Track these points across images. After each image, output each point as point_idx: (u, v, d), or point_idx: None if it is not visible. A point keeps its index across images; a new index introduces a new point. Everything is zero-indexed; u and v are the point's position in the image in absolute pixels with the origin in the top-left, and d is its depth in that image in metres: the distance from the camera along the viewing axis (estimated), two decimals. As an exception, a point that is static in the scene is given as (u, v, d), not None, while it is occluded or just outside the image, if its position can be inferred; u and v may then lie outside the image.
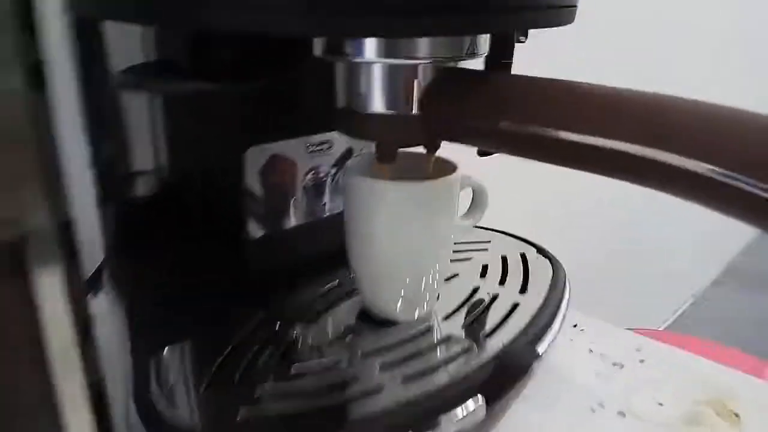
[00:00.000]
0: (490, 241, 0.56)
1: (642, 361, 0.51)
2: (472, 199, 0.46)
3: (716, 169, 0.25)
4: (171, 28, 0.36)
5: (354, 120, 0.37)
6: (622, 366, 0.50)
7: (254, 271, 0.45)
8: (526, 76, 0.33)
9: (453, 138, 0.36)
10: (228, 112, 0.42)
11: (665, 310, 2.00)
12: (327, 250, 0.49)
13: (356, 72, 0.35)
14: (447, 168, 0.42)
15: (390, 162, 0.39)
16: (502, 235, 0.58)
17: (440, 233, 0.41)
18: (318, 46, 0.36)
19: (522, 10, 0.31)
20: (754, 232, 2.49)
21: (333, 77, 0.37)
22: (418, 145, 0.40)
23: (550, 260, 0.52)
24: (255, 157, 0.42)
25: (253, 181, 0.43)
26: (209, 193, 0.46)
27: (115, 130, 0.41)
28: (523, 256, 0.53)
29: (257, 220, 0.44)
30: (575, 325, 0.56)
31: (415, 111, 0.35)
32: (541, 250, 0.54)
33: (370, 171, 0.42)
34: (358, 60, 0.34)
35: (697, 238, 1.91)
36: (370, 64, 0.35)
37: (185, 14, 0.27)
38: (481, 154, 0.52)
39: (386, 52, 0.34)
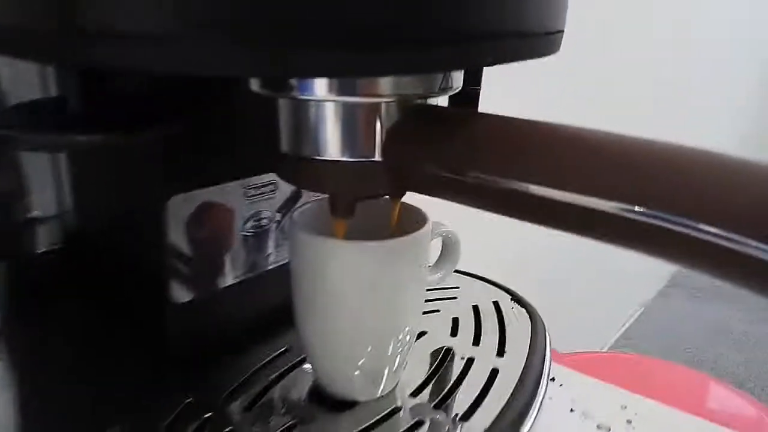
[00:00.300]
0: (458, 287, 0.49)
1: (629, 421, 0.45)
2: (442, 249, 0.40)
3: (726, 234, 0.19)
4: (62, 65, 0.28)
5: (302, 168, 0.30)
6: (609, 429, 0.44)
7: (178, 343, 0.37)
8: (507, 118, 0.27)
9: (422, 190, 0.29)
10: (142, 157, 0.34)
11: (614, 323, 2.00)
12: (272, 308, 0.42)
13: (304, 111, 0.28)
14: (414, 218, 0.35)
15: (347, 217, 0.32)
16: (469, 277, 0.52)
17: (408, 299, 0.34)
18: (255, 80, 0.29)
19: (499, 39, 0.25)
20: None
21: (274, 115, 0.30)
22: (379, 196, 0.33)
23: (526, 309, 0.46)
24: (179, 207, 0.35)
25: (177, 235, 0.35)
26: (123, 252, 0.39)
27: (8, 177, 0.32)
28: (497, 306, 0.47)
29: (183, 281, 0.36)
30: (553, 379, 0.50)
31: (376, 157, 0.29)
32: (515, 297, 0.48)
33: (321, 224, 0.35)
34: (306, 97, 0.27)
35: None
36: (321, 102, 0.28)
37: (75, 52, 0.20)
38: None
39: (341, 88, 0.27)
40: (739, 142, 2.49)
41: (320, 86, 0.27)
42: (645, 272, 2.09)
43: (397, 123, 0.28)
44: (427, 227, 0.34)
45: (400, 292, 0.33)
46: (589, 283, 1.61)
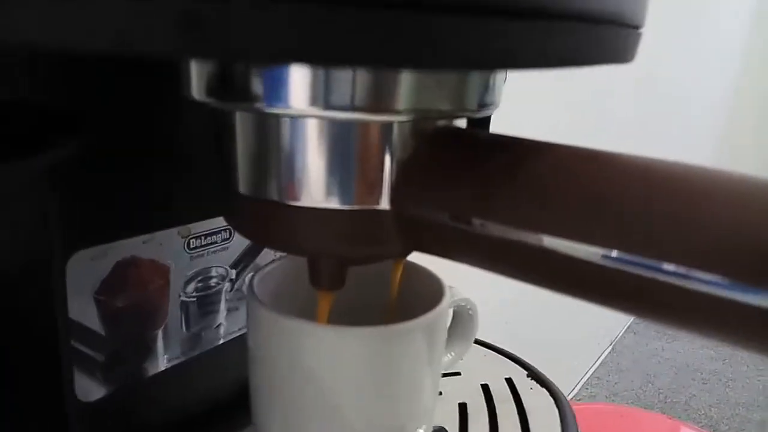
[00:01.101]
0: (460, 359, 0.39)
1: None
2: (453, 322, 0.30)
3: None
4: None
5: (268, 219, 0.20)
6: None
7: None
8: (580, 150, 0.17)
9: (443, 250, 0.19)
10: (29, 196, 0.23)
11: (583, 362, 1.94)
12: (223, 402, 0.31)
13: (273, 133, 0.18)
14: (422, 281, 0.25)
15: (334, 289, 0.22)
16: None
17: (417, 400, 0.24)
18: (198, 83, 0.19)
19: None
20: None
21: (227, 138, 0.20)
22: (383, 259, 0.23)
23: (548, 389, 0.37)
24: (84, 269, 0.24)
25: (82, 308, 0.24)
26: (6, 333, 0.27)
27: None
28: (511, 385, 0.37)
29: (93, 371, 0.25)
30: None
31: (382, 205, 0.19)
32: (533, 374, 0.38)
33: (294, 293, 0.25)
34: (276, 110, 0.17)
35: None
36: (299, 119, 0.18)
37: None
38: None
39: (331, 98, 0.17)
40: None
41: (298, 92, 0.17)
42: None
43: (414, 154, 0.19)
44: (446, 302, 0.24)
45: (408, 392, 0.23)
46: (556, 321, 1.54)
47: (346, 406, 0.23)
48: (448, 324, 0.31)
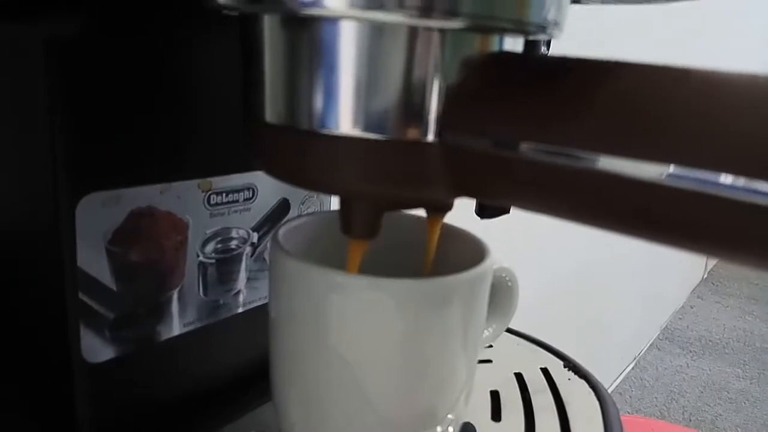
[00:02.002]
0: (491, 345, 0.37)
1: None
2: (492, 294, 0.27)
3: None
4: None
5: (297, 150, 0.17)
6: None
7: (91, 424, 0.24)
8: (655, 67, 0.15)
9: (495, 190, 0.17)
10: (33, 125, 0.21)
11: (606, 377, 1.89)
12: (238, 373, 0.29)
13: (306, 43, 0.16)
14: (461, 244, 0.23)
15: (368, 238, 0.19)
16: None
17: (454, 372, 0.22)
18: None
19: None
20: (686, 295, 2.47)
21: (251, 57, 0.18)
22: (425, 205, 0.21)
23: (588, 381, 0.34)
24: (94, 214, 0.22)
25: (91, 259, 0.22)
26: (8, 286, 0.25)
27: None
28: (547, 375, 0.34)
29: (100, 331, 0.23)
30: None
31: (429, 136, 0.17)
32: (571, 364, 0.36)
33: (321, 248, 0.23)
34: (313, 12, 0.15)
35: (632, 301, 1.85)
36: (337, 21, 0.16)
37: None
38: (484, 213, 0.34)
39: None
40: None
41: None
42: (636, 323, 1.99)
43: (467, 76, 0.16)
44: (490, 260, 0.21)
45: (441, 366, 0.21)
46: (578, 335, 1.51)
47: (372, 380, 0.21)
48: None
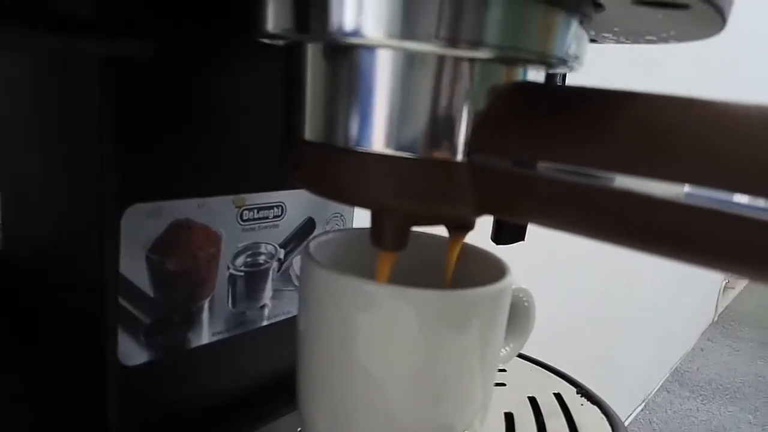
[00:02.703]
0: (504, 369, 0.38)
1: None
2: (510, 315, 0.28)
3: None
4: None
5: (335, 165, 0.19)
6: None
7: (123, 425, 0.25)
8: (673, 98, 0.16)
9: (520, 209, 0.18)
10: (88, 141, 0.23)
11: (618, 413, 1.85)
12: (263, 382, 0.30)
13: (347, 68, 0.18)
14: (483, 265, 0.24)
15: (397, 249, 0.21)
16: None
17: (476, 384, 0.23)
18: (275, 14, 0.19)
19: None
20: (696, 337, 2.44)
21: (294, 80, 0.20)
22: (451, 221, 0.22)
23: (600, 408, 0.34)
24: (138, 224, 0.23)
25: (132, 266, 0.24)
26: (49, 288, 0.27)
27: None
28: (561, 400, 0.35)
29: (136, 335, 0.24)
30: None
31: (459, 156, 0.18)
32: (583, 390, 0.36)
33: (349, 262, 0.24)
34: (354, 41, 0.17)
35: (642, 340, 1.83)
36: (374, 50, 0.17)
37: None
38: (500, 240, 0.36)
39: (412, 26, 0.16)
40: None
41: (375, 20, 0.16)
42: (646, 363, 1.97)
43: (494, 102, 0.18)
44: (510, 278, 0.23)
45: (461, 379, 0.22)
46: (587, 375, 1.49)
47: (397, 391, 0.21)
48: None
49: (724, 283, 2.67)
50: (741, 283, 2.90)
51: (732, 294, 2.84)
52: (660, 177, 0.15)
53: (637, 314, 1.74)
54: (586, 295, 1.27)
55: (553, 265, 0.98)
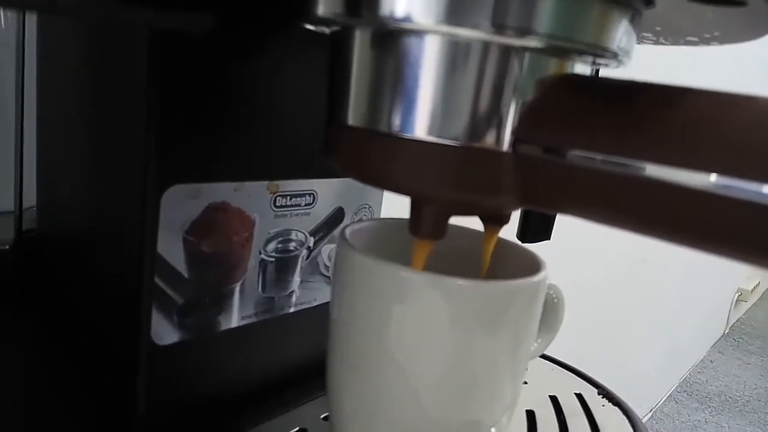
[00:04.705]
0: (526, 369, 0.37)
1: None
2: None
3: None
4: None
5: (378, 152, 0.19)
6: None
7: (154, 402, 0.25)
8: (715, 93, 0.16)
9: (561, 200, 0.18)
10: (129, 122, 0.23)
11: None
12: (291, 367, 0.30)
13: (395, 54, 0.18)
14: (517, 260, 0.24)
15: (435, 238, 0.21)
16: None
17: (509, 377, 0.23)
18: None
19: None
20: (706, 349, 2.42)
21: (339, 65, 0.20)
22: (490, 212, 0.22)
23: (621, 409, 0.34)
24: (178, 205, 0.24)
25: (170, 246, 0.24)
26: (87, 264, 0.27)
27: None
28: (582, 400, 0.35)
29: (170, 315, 0.25)
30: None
31: (504, 146, 0.18)
32: (604, 392, 0.36)
33: (383, 250, 0.24)
34: (404, 25, 0.17)
35: (652, 350, 1.82)
36: (422, 35, 0.17)
37: None
38: (526, 237, 0.35)
39: (463, 12, 0.16)
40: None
41: (426, 5, 0.16)
42: (655, 372, 1.95)
43: (542, 94, 0.18)
44: (546, 271, 0.23)
45: (492, 371, 0.22)
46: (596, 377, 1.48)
47: (425, 381, 0.22)
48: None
49: (737, 295, 2.65)
50: (753, 296, 2.87)
51: (744, 307, 2.82)
52: (703, 169, 0.15)
53: (648, 324, 1.73)
54: (597, 302, 1.27)
55: (567, 271, 0.98)
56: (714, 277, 2.23)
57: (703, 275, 2.07)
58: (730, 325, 2.67)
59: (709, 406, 2.06)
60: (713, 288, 2.30)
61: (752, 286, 2.69)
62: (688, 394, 2.12)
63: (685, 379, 2.19)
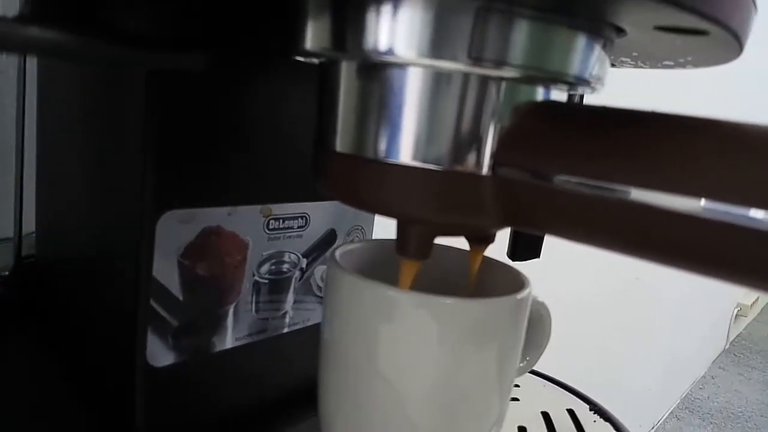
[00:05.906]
0: (517, 384, 0.38)
1: None
2: (527, 327, 0.29)
3: None
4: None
5: (364, 176, 0.20)
6: None
7: (149, 424, 0.26)
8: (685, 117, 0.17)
9: (541, 221, 0.19)
10: (127, 149, 0.24)
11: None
12: (284, 387, 0.30)
13: (379, 84, 0.19)
14: (502, 277, 0.25)
15: (421, 258, 0.21)
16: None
17: (495, 395, 0.23)
18: (313, 33, 0.20)
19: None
20: (707, 365, 2.41)
21: (327, 94, 0.21)
22: (473, 233, 0.23)
23: (613, 425, 0.35)
24: (173, 229, 0.24)
25: (165, 269, 0.25)
26: (83, 287, 0.28)
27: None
28: (573, 416, 0.35)
29: (165, 337, 0.25)
30: None
31: (484, 170, 0.19)
32: (596, 408, 0.36)
33: (372, 270, 0.25)
34: (387, 59, 0.18)
35: (652, 366, 1.81)
36: (405, 67, 0.18)
37: None
38: (516, 256, 0.36)
39: (442, 45, 0.18)
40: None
41: (407, 40, 0.17)
42: (656, 389, 1.94)
43: (520, 119, 0.19)
44: (530, 288, 0.23)
45: (484, 381, 0.23)
46: (597, 395, 1.48)
47: (414, 399, 0.22)
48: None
49: (736, 311, 2.65)
50: (753, 312, 2.86)
51: (744, 322, 2.81)
52: (678, 192, 0.16)
53: (648, 341, 1.73)
54: (596, 319, 1.27)
55: (563, 287, 0.98)
56: (712, 292, 2.23)
57: (701, 291, 2.07)
58: (730, 341, 2.66)
59: (711, 423, 2.05)
60: (712, 303, 2.30)
61: (751, 302, 2.69)
62: (689, 411, 2.11)
63: (686, 395, 2.18)
